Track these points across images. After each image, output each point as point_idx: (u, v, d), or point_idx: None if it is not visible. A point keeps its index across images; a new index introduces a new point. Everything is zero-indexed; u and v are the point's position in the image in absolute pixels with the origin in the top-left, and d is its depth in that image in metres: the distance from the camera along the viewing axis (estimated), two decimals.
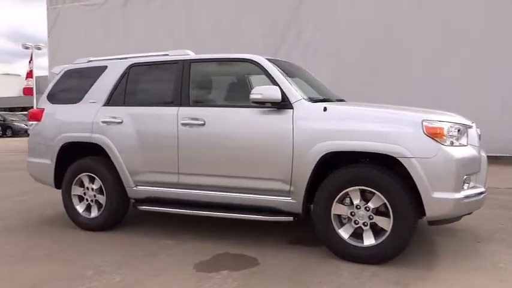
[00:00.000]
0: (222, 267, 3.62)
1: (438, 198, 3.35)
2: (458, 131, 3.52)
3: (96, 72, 4.93)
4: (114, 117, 4.58)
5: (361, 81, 9.55)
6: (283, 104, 3.86)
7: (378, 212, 3.59)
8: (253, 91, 3.87)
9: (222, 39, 10.78)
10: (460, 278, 3.32)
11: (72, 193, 4.86)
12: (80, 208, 4.84)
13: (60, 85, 5.15)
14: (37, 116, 5.11)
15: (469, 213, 3.62)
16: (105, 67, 4.89)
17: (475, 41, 8.84)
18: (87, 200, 4.81)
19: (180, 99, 4.35)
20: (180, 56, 4.55)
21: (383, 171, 3.52)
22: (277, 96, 3.80)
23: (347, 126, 3.63)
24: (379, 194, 3.51)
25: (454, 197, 3.36)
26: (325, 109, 3.76)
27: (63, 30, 12.89)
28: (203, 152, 4.17)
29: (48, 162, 4.94)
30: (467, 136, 3.59)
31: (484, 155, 3.80)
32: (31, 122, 5.20)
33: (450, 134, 3.44)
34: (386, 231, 3.53)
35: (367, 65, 9.47)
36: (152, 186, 4.48)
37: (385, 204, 3.52)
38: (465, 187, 3.45)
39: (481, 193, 3.59)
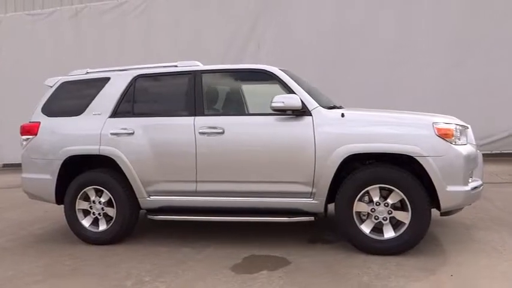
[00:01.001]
0: (258, 268, 3.79)
1: (451, 191, 3.80)
2: (460, 131, 4.01)
3: (97, 84, 4.88)
4: (125, 129, 4.57)
5: (321, 90, 10.05)
6: (302, 112, 4.13)
7: (394, 207, 3.97)
8: (274, 99, 4.10)
9: (180, 51, 10.81)
10: (470, 260, 3.77)
11: (77, 207, 4.75)
12: (86, 222, 4.74)
13: (56, 98, 5.01)
14: (32, 130, 4.93)
15: (469, 204, 4.11)
16: (108, 78, 4.85)
17: (427, 52, 9.67)
18: (93, 213, 4.72)
19: (195, 109, 4.46)
20: (190, 67, 4.66)
21: (401, 170, 3.91)
22: (298, 104, 4.07)
23: (366, 131, 3.98)
24: (398, 191, 3.89)
25: (464, 189, 3.83)
26: (342, 115, 4.09)
27: (5, 41, 12.16)
28: (224, 159, 4.31)
29: (47, 178, 4.78)
30: (466, 136, 4.09)
31: (479, 152, 4.33)
32: (24, 137, 4.99)
33: (456, 134, 3.91)
34: (405, 223, 3.91)
35: (326, 75, 9.98)
36: (167, 196, 4.52)
37: (402, 199, 3.90)
38: (470, 180, 3.94)
39: (480, 185, 4.10)
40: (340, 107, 4.98)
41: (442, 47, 9.58)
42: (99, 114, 4.74)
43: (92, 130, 4.67)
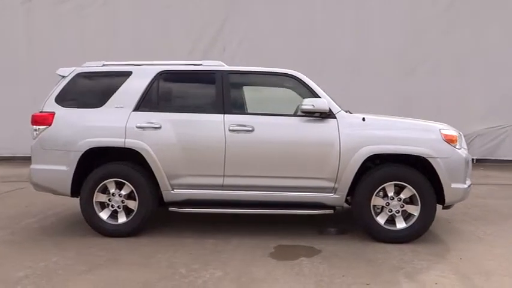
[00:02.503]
0: (294, 255, 4.14)
1: (455, 187, 4.46)
2: (459, 137, 4.70)
3: (118, 77, 4.90)
4: (151, 123, 4.66)
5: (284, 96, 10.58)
6: (328, 114, 4.57)
7: (405, 201, 4.55)
8: (304, 102, 4.51)
9: (144, 50, 10.73)
10: (468, 247, 4.42)
11: (95, 200, 4.72)
12: (103, 215, 4.74)
13: (71, 88, 4.93)
14: (45, 121, 4.81)
15: (465, 199, 4.81)
16: (129, 72, 4.90)
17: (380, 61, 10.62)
18: (112, 206, 4.73)
19: (223, 107, 4.70)
20: (216, 66, 4.89)
21: (413, 169, 4.49)
22: (326, 107, 4.51)
23: (385, 134, 4.53)
24: (410, 187, 4.47)
25: (464, 186, 4.52)
26: (363, 119, 4.60)
27: None
28: (252, 155, 4.60)
29: (63, 169, 4.71)
30: (461, 142, 4.80)
31: (469, 155, 5.07)
32: (36, 127, 4.85)
33: (459, 140, 4.59)
34: (415, 216, 4.50)
35: None
36: (192, 189, 4.69)
37: (412, 195, 4.49)
38: (467, 180, 4.64)
39: (471, 184, 4.82)
40: (348, 112, 5.50)
41: (393, 58, 10.60)
42: (121, 107, 4.77)
43: (116, 123, 4.70)
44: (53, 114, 4.82)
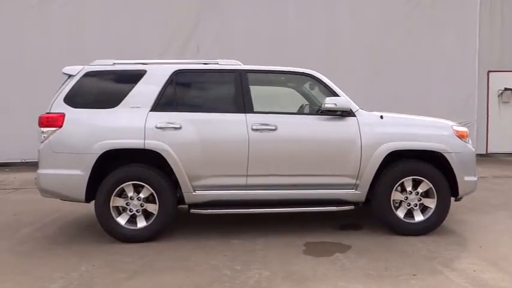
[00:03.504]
0: (328, 252, 4.20)
1: (467, 180, 4.73)
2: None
3: (132, 76, 4.72)
4: (171, 123, 4.53)
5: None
6: (348, 113, 4.68)
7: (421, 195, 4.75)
8: (327, 101, 4.59)
9: (117, 49, 10.34)
10: (482, 236, 4.69)
11: (112, 205, 4.51)
12: (121, 220, 4.54)
13: (81, 88, 4.68)
14: (55, 122, 4.52)
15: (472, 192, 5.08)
16: (144, 71, 4.73)
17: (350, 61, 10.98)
18: (130, 210, 4.55)
19: (244, 107, 4.67)
20: (233, 65, 4.84)
21: (429, 164, 4.71)
22: (348, 106, 4.62)
23: (402, 131, 4.71)
24: (427, 181, 4.68)
25: (474, 179, 4.80)
26: (381, 117, 4.75)
27: None
28: (276, 154, 4.60)
29: (77, 173, 4.46)
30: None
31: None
32: (44, 129, 4.55)
33: (468, 136, 4.88)
34: (431, 208, 4.71)
35: None
36: (214, 190, 4.62)
37: (429, 188, 4.70)
38: (476, 173, 4.93)
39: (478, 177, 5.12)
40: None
41: (360, 63, 11.00)
42: (138, 107, 4.60)
43: (134, 123, 4.52)
44: (63, 115, 4.54)
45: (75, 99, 4.64)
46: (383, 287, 3.39)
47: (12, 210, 6.07)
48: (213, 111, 4.70)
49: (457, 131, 4.78)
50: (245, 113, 4.64)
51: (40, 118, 4.61)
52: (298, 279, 3.52)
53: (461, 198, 4.93)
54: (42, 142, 4.56)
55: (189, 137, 4.53)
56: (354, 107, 4.74)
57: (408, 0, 11.34)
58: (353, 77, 10.81)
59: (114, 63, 4.83)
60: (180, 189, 4.60)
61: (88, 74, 4.72)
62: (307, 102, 5.37)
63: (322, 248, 4.33)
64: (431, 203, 4.72)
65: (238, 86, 4.73)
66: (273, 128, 4.60)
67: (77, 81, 4.69)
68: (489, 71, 11.94)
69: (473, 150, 4.85)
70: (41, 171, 4.56)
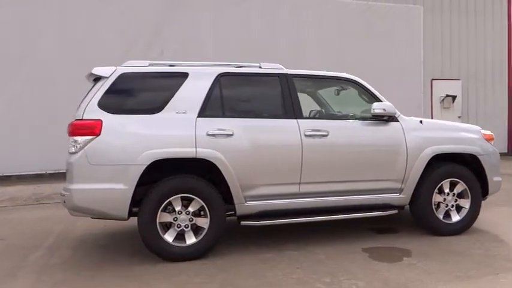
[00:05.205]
0: (389, 257, 4.19)
1: (495, 180, 5.03)
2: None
3: (174, 79, 4.33)
4: (223, 130, 4.22)
5: None
6: (393, 118, 4.74)
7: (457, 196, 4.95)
8: (375, 106, 4.60)
9: (76, 53, 9.47)
10: (508, 231, 5.02)
11: (159, 221, 4.07)
12: (169, 237, 4.11)
13: (117, 91, 4.17)
14: (92, 130, 3.97)
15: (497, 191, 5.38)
16: (186, 74, 4.36)
17: None
18: (178, 226, 4.13)
19: (294, 112, 4.50)
20: (276, 69, 4.65)
21: (464, 167, 4.92)
22: (395, 111, 4.68)
23: (443, 135, 4.89)
24: (462, 183, 4.89)
25: (500, 179, 5.12)
26: (421, 122, 4.88)
27: None
28: (329, 160, 4.50)
29: (119, 187, 3.96)
30: None
31: None
32: (77, 138, 3.97)
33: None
34: (466, 208, 4.93)
35: None
36: (266, 200, 4.38)
37: (464, 189, 4.92)
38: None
39: None
40: None
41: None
42: (183, 112, 4.21)
43: (183, 130, 4.14)
44: (100, 122, 4.01)
45: (111, 104, 4.12)
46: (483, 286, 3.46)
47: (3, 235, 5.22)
48: (263, 116, 4.48)
49: (485, 135, 5.07)
50: (296, 118, 4.48)
51: (72, 125, 4.02)
52: (396, 285, 3.46)
53: (486, 197, 5.23)
54: (74, 153, 3.97)
55: (241, 145, 4.25)
56: (396, 112, 4.81)
57: (362, 11, 11.94)
58: None
59: (150, 64, 4.38)
60: (229, 201, 4.29)
61: (123, 76, 4.22)
62: (319, 108, 5.35)
63: (385, 254, 4.30)
64: (466, 203, 4.93)
65: (286, 90, 4.54)
66: (325, 133, 4.49)
67: (112, 84, 4.16)
68: (432, 79, 12.95)
69: (498, 152, 5.17)
70: (74, 186, 3.97)
